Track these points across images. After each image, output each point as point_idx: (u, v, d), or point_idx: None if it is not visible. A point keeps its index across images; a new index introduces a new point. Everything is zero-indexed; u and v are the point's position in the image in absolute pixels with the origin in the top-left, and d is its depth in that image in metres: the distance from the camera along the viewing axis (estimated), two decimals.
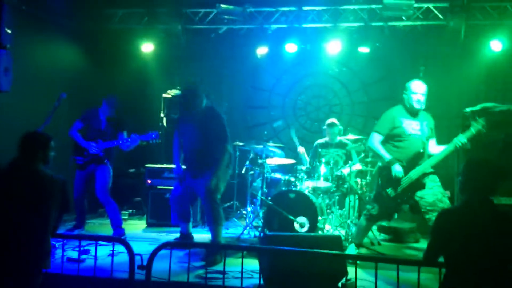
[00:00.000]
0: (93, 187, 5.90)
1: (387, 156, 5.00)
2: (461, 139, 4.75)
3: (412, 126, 5.02)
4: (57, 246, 4.86)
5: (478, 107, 6.63)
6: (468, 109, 6.67)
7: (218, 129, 5.08)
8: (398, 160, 4.96)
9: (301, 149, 7.06)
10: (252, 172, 6.98)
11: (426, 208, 4.81)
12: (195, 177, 5.16)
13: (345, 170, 6.32)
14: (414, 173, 4.89)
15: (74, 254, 4.71)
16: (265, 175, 6.36)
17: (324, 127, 6.95)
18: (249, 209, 6.76)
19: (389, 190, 4.97)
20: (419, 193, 4.90)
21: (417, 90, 5.01)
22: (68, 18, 7.24)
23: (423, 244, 6.05)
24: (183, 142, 5.31)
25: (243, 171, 7.33)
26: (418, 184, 4.90)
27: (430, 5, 7.21)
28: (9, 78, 5.39)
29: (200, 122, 5.07)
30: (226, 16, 7.48)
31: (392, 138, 5.10)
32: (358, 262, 3.83)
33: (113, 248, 4.08)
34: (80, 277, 4.09)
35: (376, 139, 5.12)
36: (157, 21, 7.70)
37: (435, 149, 5.06)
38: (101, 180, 5.82)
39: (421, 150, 4.97)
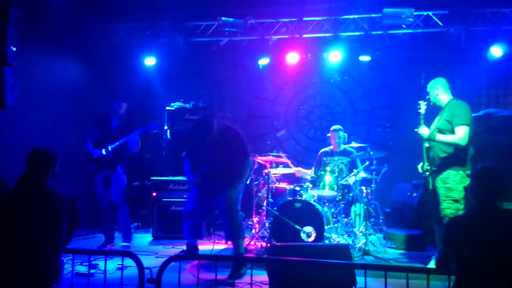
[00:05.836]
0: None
1: None
2: None
3: None
4: (65, 261, 4.85)
5: (480, 113, 6.66)
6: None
7: (239, 146, 5.11)
8: None
9: (298, 173, 6.79)
10: (256, 182, 6.98)
11: None
12: (214, 191, 5.12)
13: (350, 179, 6.32)
14: None
15: (82, 269, 4.71)
16: (270, 185, 6.37)
17: (328, 134, 6.93)
18: (254, 219, 6.76)
19: None
20: None
21: None
22: (71, 34, 7.29)
23: (429, 251, 6.03)
24: (200, 162, 5.26)
25: (247, 182, 7.33)
26: None
27: (430, 13, 7.27)
28: (14, 95, 5.42)
29: (220, 142, 5.09)
30: (227, 29, 7.56)
31: None
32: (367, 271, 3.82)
33: (122, 262, 4.08)
34: None
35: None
36: (160, 35, 7.81)
37: None
38: (116, 186, 5.99)
39: None
